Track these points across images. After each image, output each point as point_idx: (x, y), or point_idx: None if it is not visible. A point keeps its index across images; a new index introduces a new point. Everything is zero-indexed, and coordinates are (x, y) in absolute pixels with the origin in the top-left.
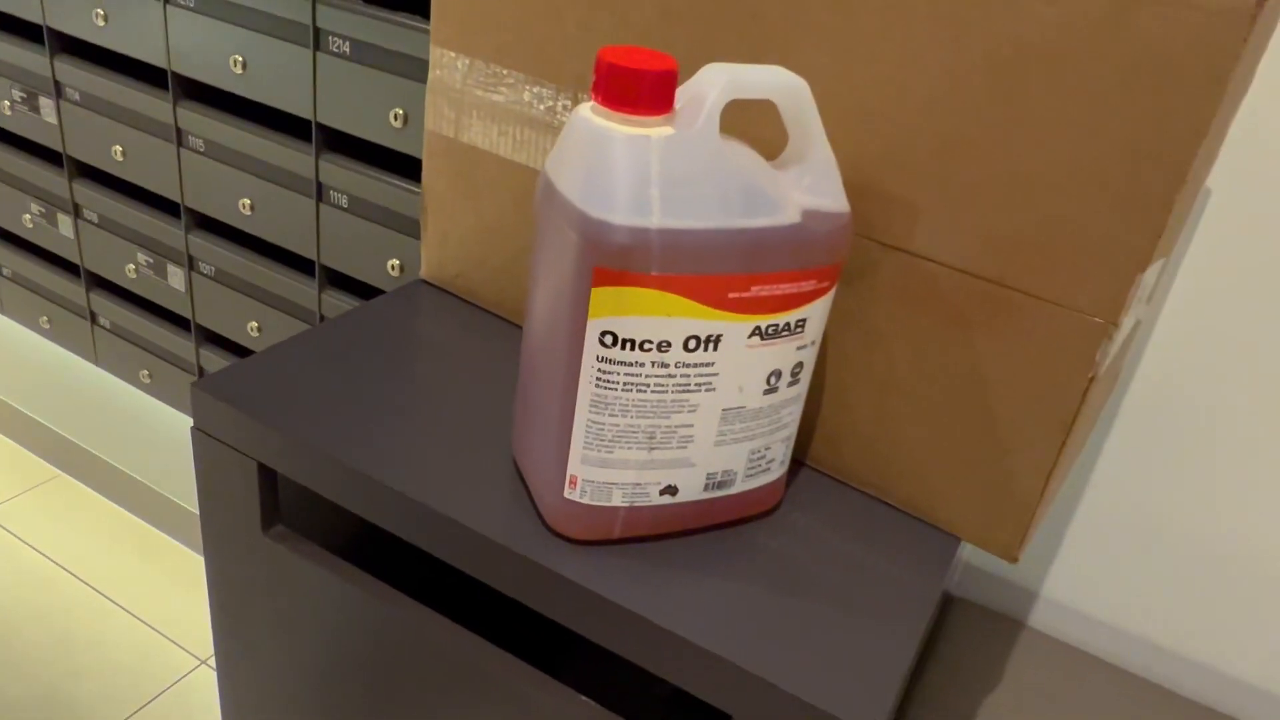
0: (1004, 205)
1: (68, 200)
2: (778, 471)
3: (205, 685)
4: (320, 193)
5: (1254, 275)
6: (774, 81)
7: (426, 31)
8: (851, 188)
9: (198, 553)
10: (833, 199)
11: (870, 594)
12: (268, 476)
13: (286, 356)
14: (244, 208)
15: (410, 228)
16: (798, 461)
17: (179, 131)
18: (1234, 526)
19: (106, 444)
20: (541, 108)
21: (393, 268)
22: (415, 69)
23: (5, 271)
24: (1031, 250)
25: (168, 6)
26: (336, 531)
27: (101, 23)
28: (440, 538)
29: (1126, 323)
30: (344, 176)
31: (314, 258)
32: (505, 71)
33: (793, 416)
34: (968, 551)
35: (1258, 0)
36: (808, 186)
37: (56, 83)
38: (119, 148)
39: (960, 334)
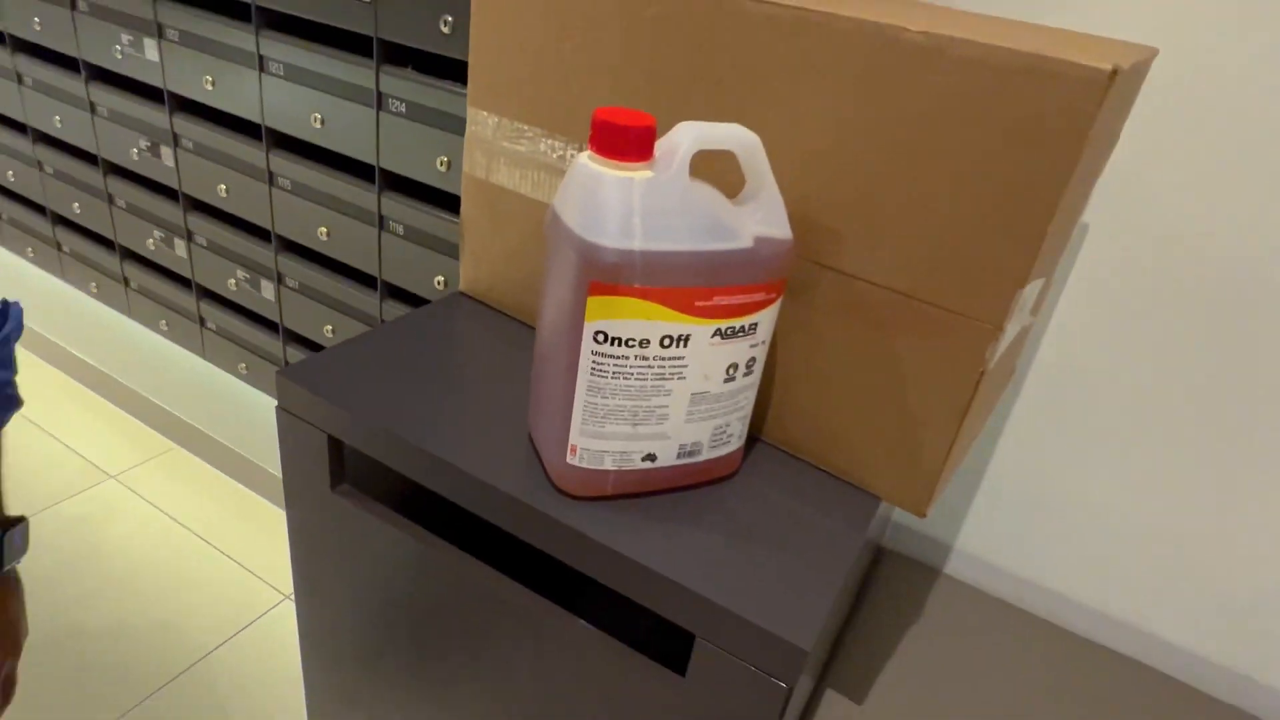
0: (913, 235)
1: (182, 228)
2: (736, 444)
3: (287, 616)
4: (381, 223)
5: (1119, 293)
6: (733, 136)
7: (465, 95)
8: (795, 220)
9: (281, 508)
10: (779, 229)
11: (806, 541)
12: (335, 446)
13: (351, 351)
14: (321, 234)
15: (452, 251)
16: (754, 436)
17: (270, 174)
18: (1105, 492)
19: (211, 422)
20: (554, 156)
21: (438, 282)
22: (456, 125)
23: (133, 285)
24: (935, 270)
25: (262, 75)
26: (391, 490)
27: (210, 87)
28: (470, 494)
29: (1011, 328)
30: (400, 210)
31: (376, 274)
32: (526, 127)
33: (748, 400)
34: (896, 513)
35: (1110, 73)
36: (759, 219)
37: (174, 134)
38: (223, 186)
39: (881, 336)
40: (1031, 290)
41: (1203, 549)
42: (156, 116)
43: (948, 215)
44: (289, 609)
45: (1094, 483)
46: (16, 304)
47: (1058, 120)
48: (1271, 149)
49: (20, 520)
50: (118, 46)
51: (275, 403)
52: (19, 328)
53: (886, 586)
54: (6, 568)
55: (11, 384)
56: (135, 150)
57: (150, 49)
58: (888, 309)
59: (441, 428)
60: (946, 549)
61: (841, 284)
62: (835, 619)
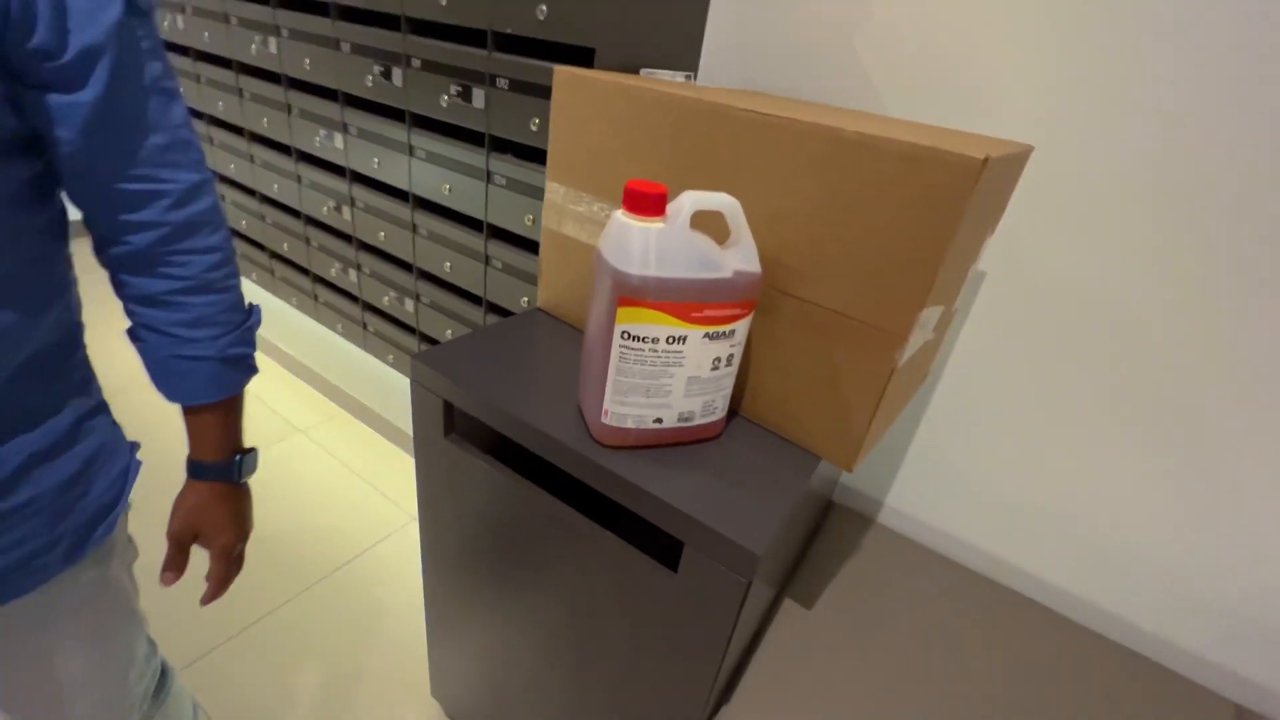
0: (846, 272)
1: (354, 262)
2: (720, 415)
3: (413, 533)
4: (487, 260)
5: (1004, 321)
6: (722, 201)
7: (544, 172)
8: (765, 260)
9: (411, 455)
10: (752, 265)
11: (766, 483)
12: (448, 407)
13: (460, 344)
14: (446, 267)
15: (533, 280)
16: (733, 411)
17: (414, 225)
18: (988, 463)
19: (367, 395)
20: (602, 215)
21: (524, 301)
22: (538, 193)
23: (320, 300)
24: (861, 297)
25: (411, 158)
26: (484, 440)
27: (376, 165)
28: (536, 441)
29: (914, 339)
30: (500, 251)
31: (482, 295)
32: (584, 194)
33: (729, 384)
34: (843, 476)
35: (981, 161)
36: (739, 258)
37: (351, 198)
38: (382, 234)
39: (823, 342)
40: (930, 314)
41: (1055, 503)
42: (340, 185)
43: (870, 258)
44: (414, 527)
45: (981, 456)
46: (257, 306)
47: (945, 193)
48: (1112, 220)
49: (252, 450)
50: (317, 139)
51: (410, 380)
52: (259, 321)
53: (833, 530)
54: (243, 479)
55: (252, 358)
56: (325, 208)
57: (338, 140)
58: (828, 323)
59: (519, 395)
60: (878, 504)
61: (796, 305)
62: (791, 546)
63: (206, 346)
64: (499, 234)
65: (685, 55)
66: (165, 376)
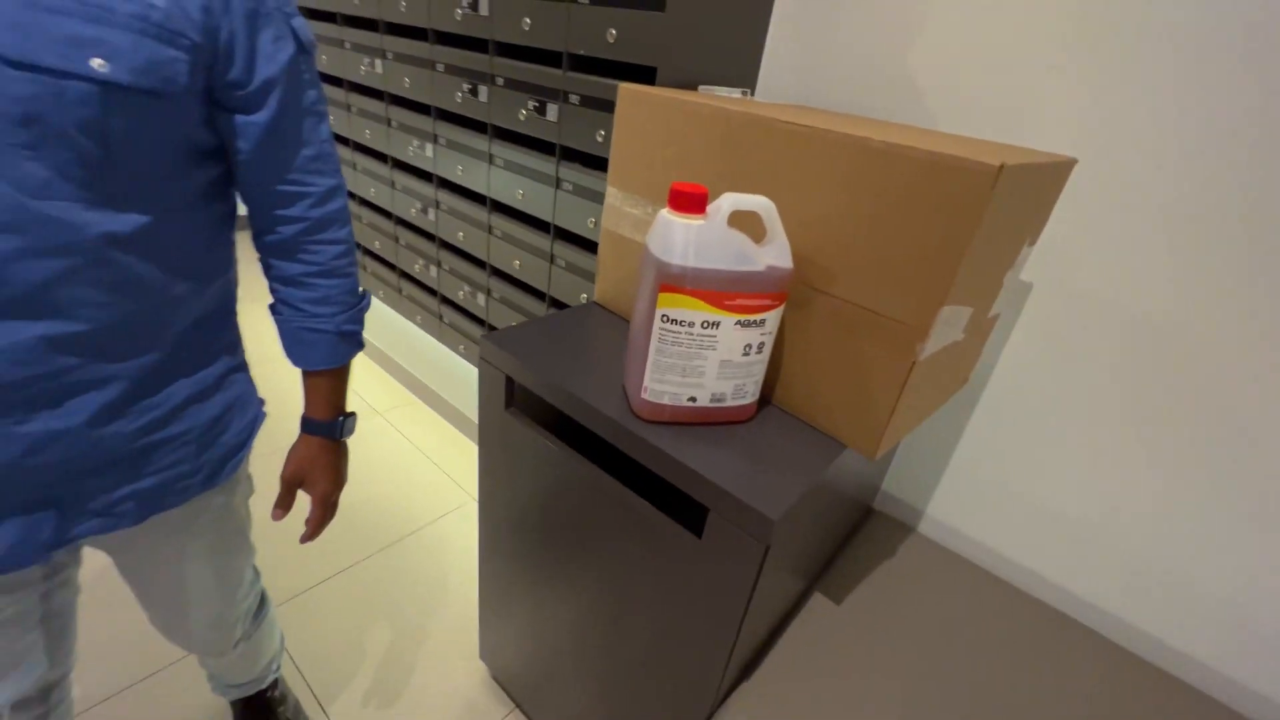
0: (873, 270)
1: (435, 259)
2: (750, 399)
3: (472, 511)
4: (552, 259)
5: (1050, 332)
6: (758, 202)
7: (599, 179)
8: (798, 258)
9: (473, 441)
10: (784, 261)
11: (789, 462)
12: (509, 382)
13: (523, 329)
14: (516, 265)
15: (592, 277)
16: (765, 399)
17: (489, 226)
18: (1027, 477)
19: (439, 383)
20: (654, 216)
21: (583, 297)
22: (600, 198)
23: (403, 293)
24: (886, 293)
25: (490, 166)
26: (539, 413)
27: (460, 171)
28: (583, 414)
29: (936, 334)
30: (565, 251)
31: (546, 290)
32: (638, 198)
33: (759, 370)
34: (887, 485)
35: (997, 168)
36: (772, 254)
37: (437, 201)
38: (461, 234)
39: (850, 334)
40: (954, 312)
41: (1102, 521)
42: (428, 190)
43: (894, 258)
44: (473, 507)
45: (1024, 469)
46: (369, 292)
47: (963, 198)
48: (1154, 233)
49: (352, 414)
50: (410, 148)
51: (479, 357)
52: (369, 305)
53: (871, 534)
54: (343, 437)
55: (360, 334)
56: (414, 210)
57: (429, 149)
58: (855, 318)
59: (571, 374)
60: (919, 513)
61: (826, 301)
62: (819, 538)
63: (327, 321)
64: (564, 235)
65: (743, 73)
66: (294, 345)
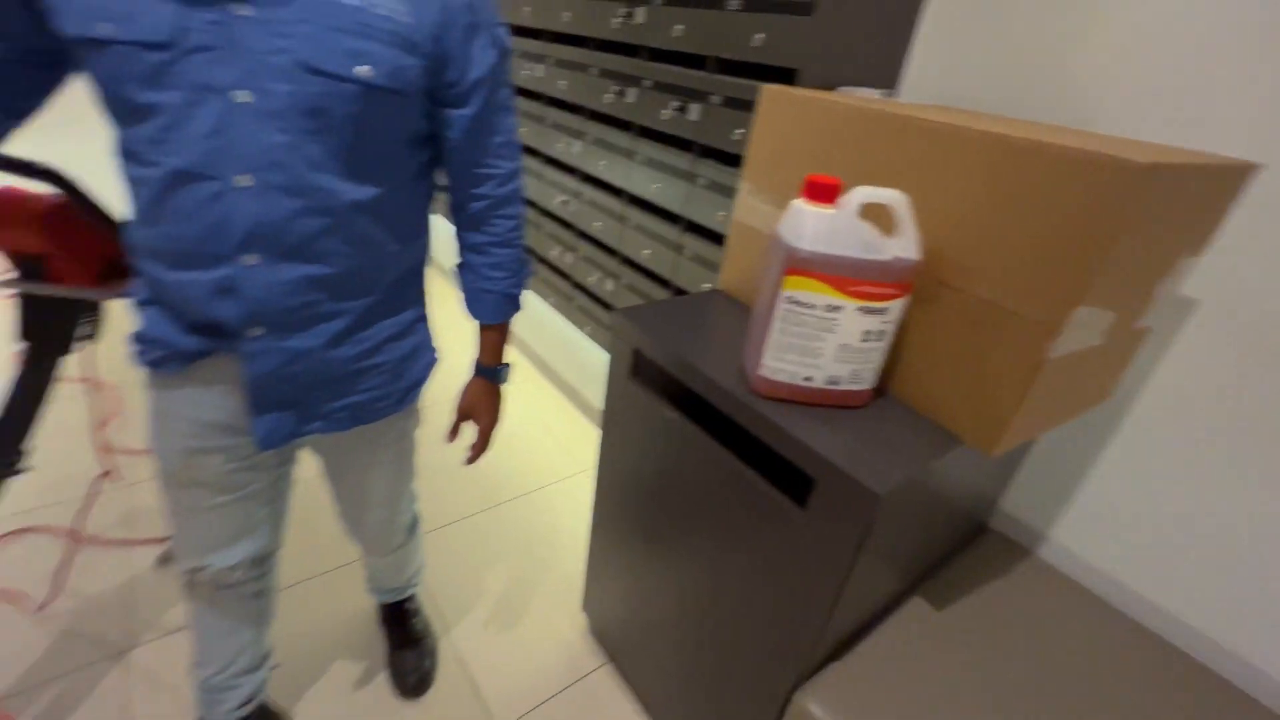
0: (1007, 266)
1: (571, 246)
2: (866, 385)
3: (583, 482)
4: (679, 249)
5: (1215, 355)
6: (889, 195)
7: (739, 175)
8: (928, 252)
9: (590, 422)
10: (911, 253)
11: (900, 446)
12: (636, 353)
13: (651, 308)
14: (645, 255)
15: (715, 267)
16: (882, 390)
17: (623, 218)
18: (1179, 510)
19: (563, 362)
20: (783, 207)
21: (705, 285)
22: (731, 193)
23: (539, 275)
24: (1019, 289)
25: (630, 162)
26: (661, 386)
27: (603, 166)
28: (703, 386)
29: (1072, 336)
30: (692, 242)
31: (671, 279)
32: (771, 192)
33: (877, 357)
34: (1004, 502)
35: (1146, 166)
36: (900, 246)
37: (577, 193)
38: (598, 224)
39: (978, 330)
40: (1091, 314)
41: (1245, 562)
42: (571, 183)
43: (1030, 255)
44: (583, 478)
45: (1160, 497)
46: (530, 260)
47: (1107, 195)
48: None
49: (509, 364)
50: (559, 145)
51: (601, 356)
52: (530, 274)
53: (983, 551)
54: (502, 382)
55: (520, 297)
56: (557, 201)
57: (576, 146)
58: (984, 314)
59: (692, 349)
60: (1038, 535)
61: (954, 296)
62: (923, 539)
63: (497, 284)
64: (693, 227)
65: (885, 74)
66: (471, 301)
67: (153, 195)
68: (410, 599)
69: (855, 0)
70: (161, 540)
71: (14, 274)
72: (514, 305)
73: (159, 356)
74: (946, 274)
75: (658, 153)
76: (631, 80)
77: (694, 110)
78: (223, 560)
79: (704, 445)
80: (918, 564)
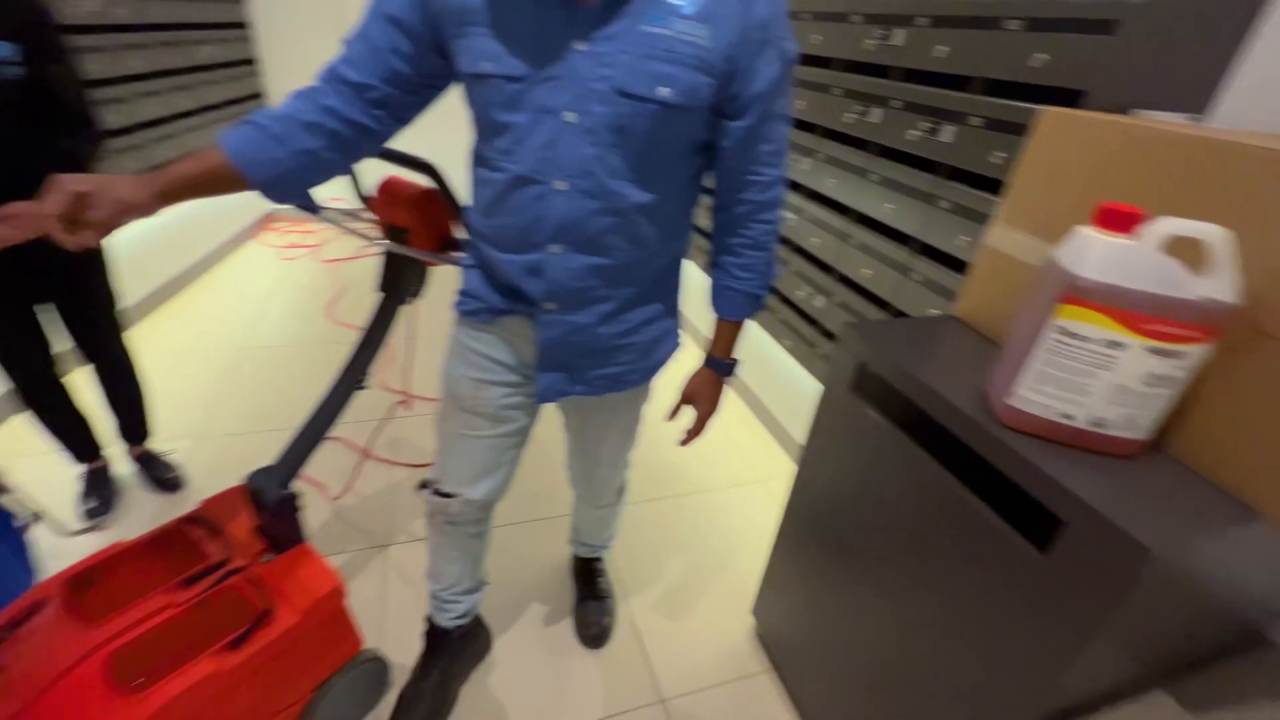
0: None
1: (785, 263)
2: (1140, 435)
3: (760, 491)
4: (906, 272)
5: None
6: (1207, 230)
7: (987, 199)
8: (1249, 297)
9: (769, 431)
10: (1226, 296)
11: (1179, 506)
12: (860, 366)
13: (882, 325)
14: (865, 275)
15: (945, 294)
16: (1157, 444)
17: (846, 235)
18: None
19: (755, 374)
20: (1052, 239)
21: (930, 310)
22: (978, 217)
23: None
24: None
25: (863, 180)
26: (886, 401)
27: (833, 184)
28: (939, 410)
29: None
30: (923, 266)
31: (890, 301)
32: (1037, 217)
33: (1161, 405)
34: None
35: None
36: (1212, 287)
37: (799, 208)
38: (815, 240)
39: None
40: None
41: None
42: (793, 199)
43: None
44: (760, 488)
45: None
46: (779, 264)
47: None
48: None
49: (737, 360)
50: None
51: (797, 372)
52: (777, 275)
53: (1256, 663)
54: (727, 376)
55: (763, 298)
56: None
57: (805, 164)
58: None
59: (928, 369)
60: None
61: (1272, 347)
62: (1181, 631)
63: (743, 284)
64: (928, 250)
65: (1193, 98)
66: (716, 297)
67: (495, 194)
68: (600, 560)
69: (1171, 16)
70: (418, 466)
71: (385, 240)
72: (756, 305)
73: (475, 308)
74: (1270, 324)
75: (896, 173)
76: (878, 100)
77: (947, 131)
78: (472, 493)
79: (927, 470)
80: (1167, 654)
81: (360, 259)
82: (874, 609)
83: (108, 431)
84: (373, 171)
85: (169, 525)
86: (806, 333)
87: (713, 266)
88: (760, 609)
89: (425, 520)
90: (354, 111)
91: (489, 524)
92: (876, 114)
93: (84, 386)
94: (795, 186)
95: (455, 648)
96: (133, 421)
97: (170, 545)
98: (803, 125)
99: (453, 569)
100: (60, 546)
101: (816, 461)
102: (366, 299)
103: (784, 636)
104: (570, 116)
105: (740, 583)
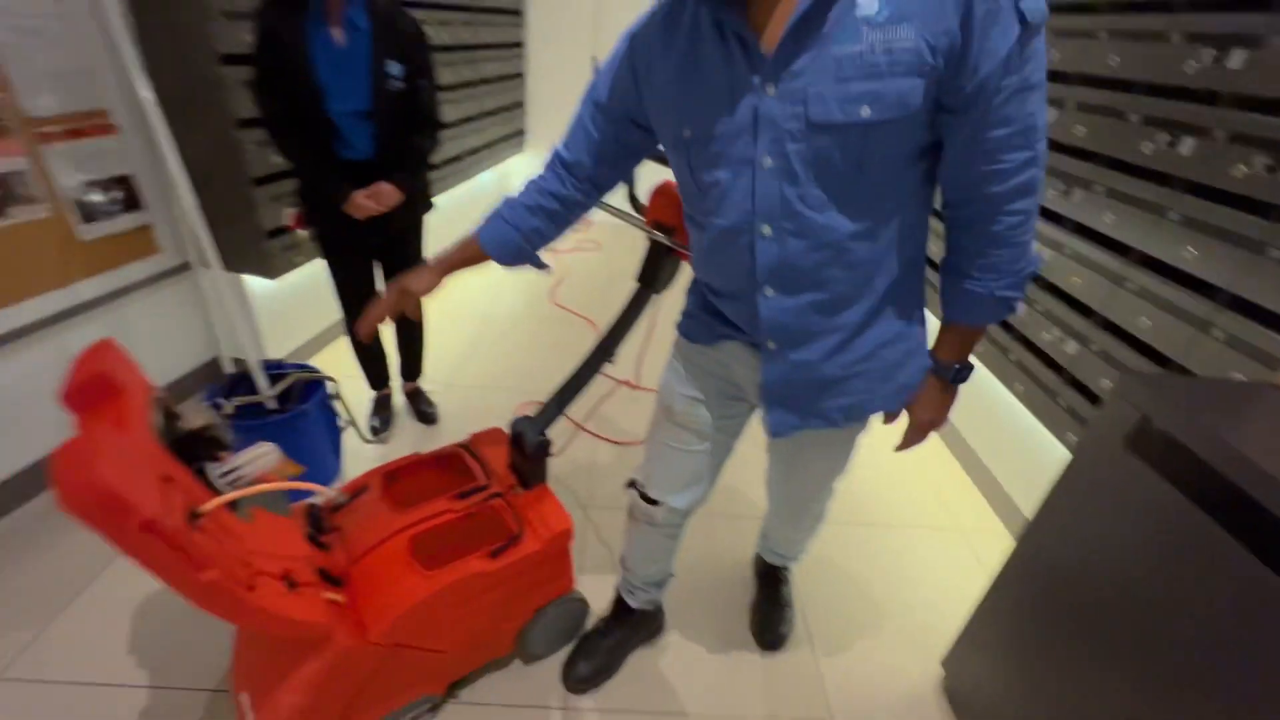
0: None
1: (1032, 300)
2: None
3: (945, 537)
4: (1205, 327)
5: None
6: None
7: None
8: None
9: (968, 475)
10: None
11: None
12: (1144, 420)
13: (1176, 381)
14: (1140, 324)
15: (1260, 357)
16: None
17: (1121, 278)
18: None
19: (967, 415)
20: None
21: (1233, 373)
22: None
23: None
24: None
25: (1157, 218)
26: (1169, 467)
27: (1109, 220)
28: (1258, 485)
29: None
30: (1230, 322)
31: (1173, 358)
32: None
33: None
34: None
35: None
36: None
37: (1059, 243)
38: (1076, 279)
39: None
40: None
41: None
42: (1050, 230)
43: None
44: (946, 534)
45: None
46: (1038, 255)
47: None
48: None
49: (971, 366)
50: (1051, 192)
51: (1022, 418)
52: (1035, 268)
53: None
54: (955, 382)
55: (1016, 300)
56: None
57: (1077, 195)
58: None
59: (1246, 437)
60: None
61: None
62: None
63: (986, 285)
64: (1240, 304)
65: None
66: (951, 296)
67: (704, 247)
68: (787, 569)
69: None
70: (622, 444)
71: (654, 234)
72: (1004, 309)
73: (695, 330)
74: None
75: (1207, 213)
76: (1195, 130)
77: None
78: (675, 501)
79: (1227, 554)
80: None
81: (578, 252)
82: (1120, 704)
83: (393, 368)
84: (649, 176)
85: (449, 448)
86: (1047, 379)
87: (943, 266)
88: (953, 663)
89: (626, 514)
90: (566, 189)
91: (684, 529)
92: (1188, 144)
93: (385, 330)
94: (1057, 219)
95: (635, 621)
96: (412, 362)
97: (449, 464)
98: (1080, 153)
99: (644, 563)
100: (355, 449)
101: (1059, 519)
102: (582, 287)
103: (980, 700)
104: (767, 162)
105: (928, 629)
